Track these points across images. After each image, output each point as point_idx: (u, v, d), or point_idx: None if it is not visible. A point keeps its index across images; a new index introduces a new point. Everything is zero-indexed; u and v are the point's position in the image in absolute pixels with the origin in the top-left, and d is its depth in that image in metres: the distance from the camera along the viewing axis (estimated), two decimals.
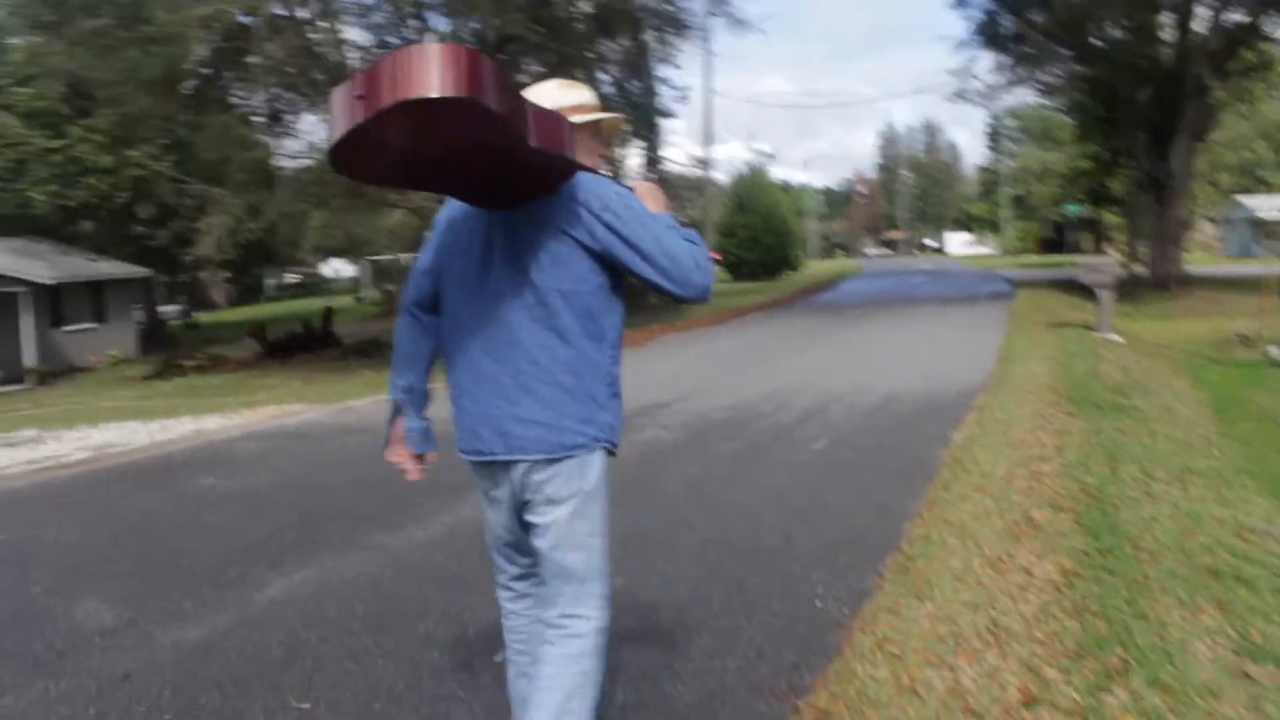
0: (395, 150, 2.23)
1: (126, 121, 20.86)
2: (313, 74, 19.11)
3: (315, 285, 71.11)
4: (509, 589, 2.87)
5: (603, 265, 2.55)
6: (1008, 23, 29.90)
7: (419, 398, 2.85)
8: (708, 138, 34.30)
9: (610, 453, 2.65)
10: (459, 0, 18.61)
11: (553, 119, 2.33)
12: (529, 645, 2.79)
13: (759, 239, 47.92)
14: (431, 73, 1.93)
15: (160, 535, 6.22)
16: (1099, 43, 27.61)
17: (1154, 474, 6.80)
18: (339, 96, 2.09)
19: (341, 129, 2.07)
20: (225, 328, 35.84)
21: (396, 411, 2.86)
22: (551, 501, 2.57)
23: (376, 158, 2.28)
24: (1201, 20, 26.55)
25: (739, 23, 26.24)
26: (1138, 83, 27.63)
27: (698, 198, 34.27)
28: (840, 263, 76.51)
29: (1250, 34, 26.53)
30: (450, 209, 2.74)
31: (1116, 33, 27.22)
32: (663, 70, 27.99)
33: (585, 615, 2.62)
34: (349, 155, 2.21)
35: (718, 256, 2.86)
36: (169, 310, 46.13)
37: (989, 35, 29.87)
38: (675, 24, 27.81)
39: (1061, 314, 20.12)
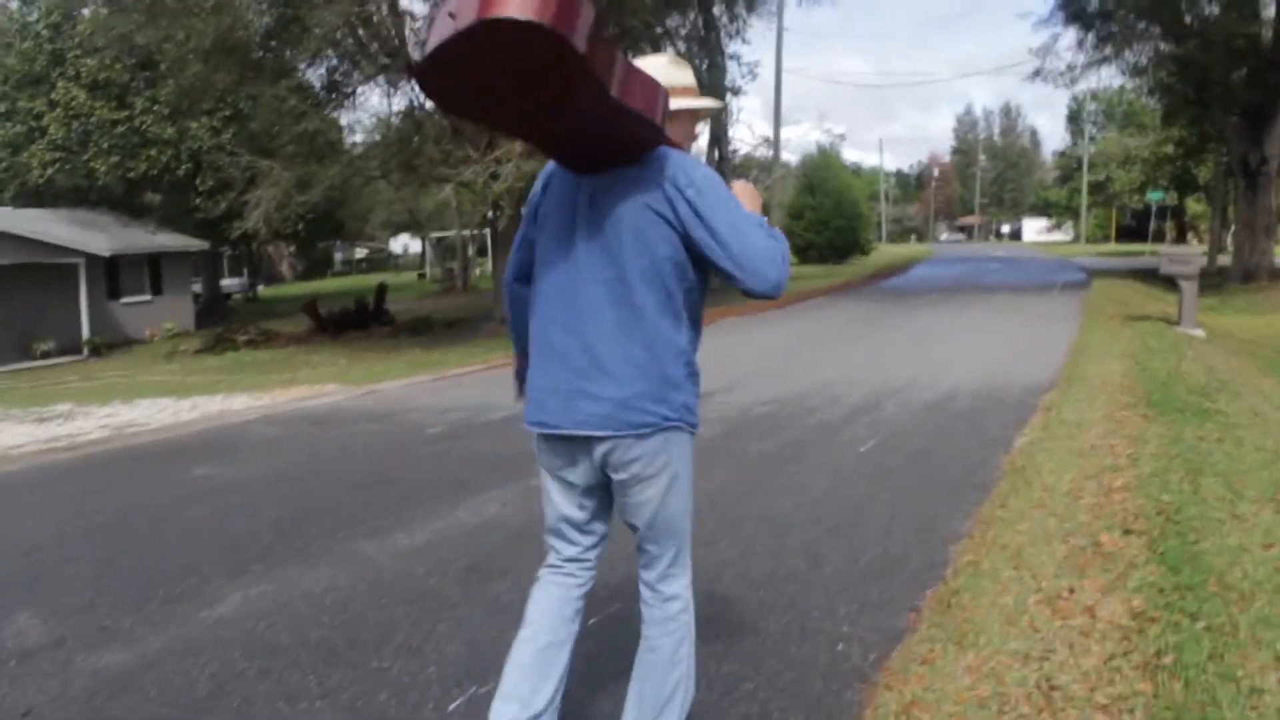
0: (477, 77, 2.15)
1: (186, 93, 20.62)
2: (370, 45, 18.67)
3: (383, 261, 71.46)
4: (556, 568, 2.81)
5: (684, 244, 2.50)
6: None
7: None
8: (777, 117, 33.19)
9: (691, 432, 2.65)
10: None
11: (648, 83, 2.28)
12: (552, 619, 2.75)
13: (828, 222, 46.83)
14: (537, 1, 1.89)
15: (132, 533, 5.73)
16: (1191, 20, 26.15)
17: (1242, 492, 6.00)
18: (435, 14, 2.07)
19: (430, 45, 2.04)
20: (287, 302, 35.79)
21: (522, 378, 2.83)
22: (642, 479, 2.56)
23: (459, 83, 2.21)
24: None
25: None
26: (1232, 63, 26.17)
27: (765, 178, 33.38)
28: (912, 247, 74.84)
29: None
30: (544, 178, 2.70)
31: (1212, 9, 25.75)
32: (731, 46, 27.05)
33: (678, 575, 2.74)
34: (435, 76, 2.17)
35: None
36: (232, 284, 46.45)
37: (1072, 12, 28.50)
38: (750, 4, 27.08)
39: (1140, 306, 19.07)
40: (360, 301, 25.28)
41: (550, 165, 2.71)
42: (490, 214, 17.98)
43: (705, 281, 2.63)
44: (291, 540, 5.36)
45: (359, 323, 24.57)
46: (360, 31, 18.20)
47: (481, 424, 8.80)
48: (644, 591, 2.76)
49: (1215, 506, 5.61)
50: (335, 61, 19.12)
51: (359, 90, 22.12)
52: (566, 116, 2.31)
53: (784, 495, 5.96)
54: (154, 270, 29.20)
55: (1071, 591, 4.24)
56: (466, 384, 11.90)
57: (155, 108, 28.64)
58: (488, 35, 1.95)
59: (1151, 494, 5.74)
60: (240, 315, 33.98)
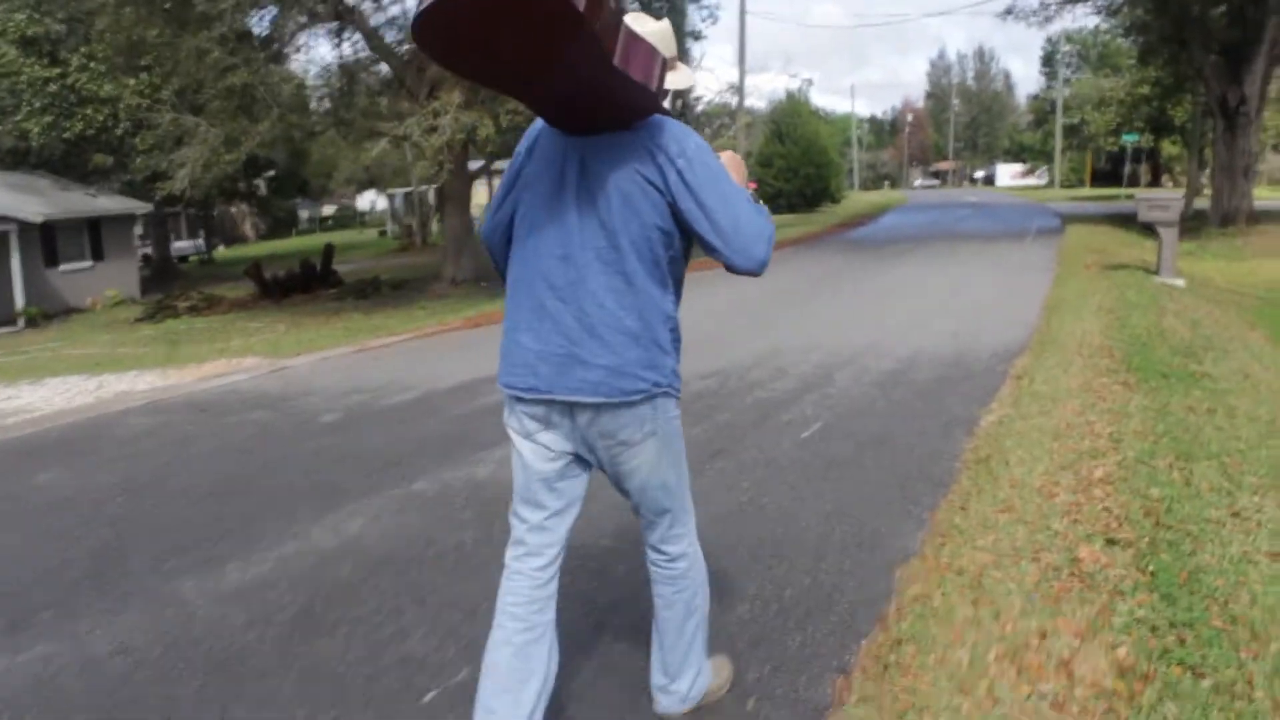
0: (473, 33, 2.09)
1: (111, 46, 19.33)
2: None
3: (349, 219, 70.22)
4: (522, 544, 2.73)
5: (671, 212, 2.48)
6: None
7: None
8: (742, 63, 32.06)
9: (676, 395, 2.65)
10: None
11: (647, 51, 2.24)
12: (526, 611, 2.68)
13: (797, 170, 45.77)
14: None
15: None
16: None
17: (1240, 479, 5.17)
18: None
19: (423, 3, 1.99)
20: (245, 263, 34.54)
21: None
22: (630, 444, 2.56)
23: (455, 38, 2.13)
24: None
25: None
26: None
27: (730, 126, 32.31)
28: (885, 194, 73.74)
29: None
30: (530, 135, 2.66)
31: None
32: None
33: (682, 534, 2.82)
34: (431, 30, 2.10)
35: (753, 185, 2.78)
36: (187, 246, 45.10)
37: None
38: None
39: (1117, 254, 18.20)
40: (305, 263, 24.16)
41: (535, 126, 2.66)
42: (432, 169, 16.85)
43: (689, 249, 2.62)
44: (104, 576, 4.40)
45: (304, 285, 23.51)
46: None
47: (381, 410, 7.83)
48: (650, 554, 2.86)
49: (1211, 501, 4.76)
50: (264, 10, 17.87)
51: (302, 41, 21.03)
52: (565, 78, 2.25)
53: (702, 503, 5.00)
54: (95, 235, 27.89)
55: (1043, 637, 3.37)
56: (385, 357, 10.92)
57: (91, 65, 27.27)
58: None
59: (1137, 488, 4.88)
60: (192, 279, 32.86)
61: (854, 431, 6.24)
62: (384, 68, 19.11)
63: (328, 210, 72.56)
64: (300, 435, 7.04)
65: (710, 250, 2.46)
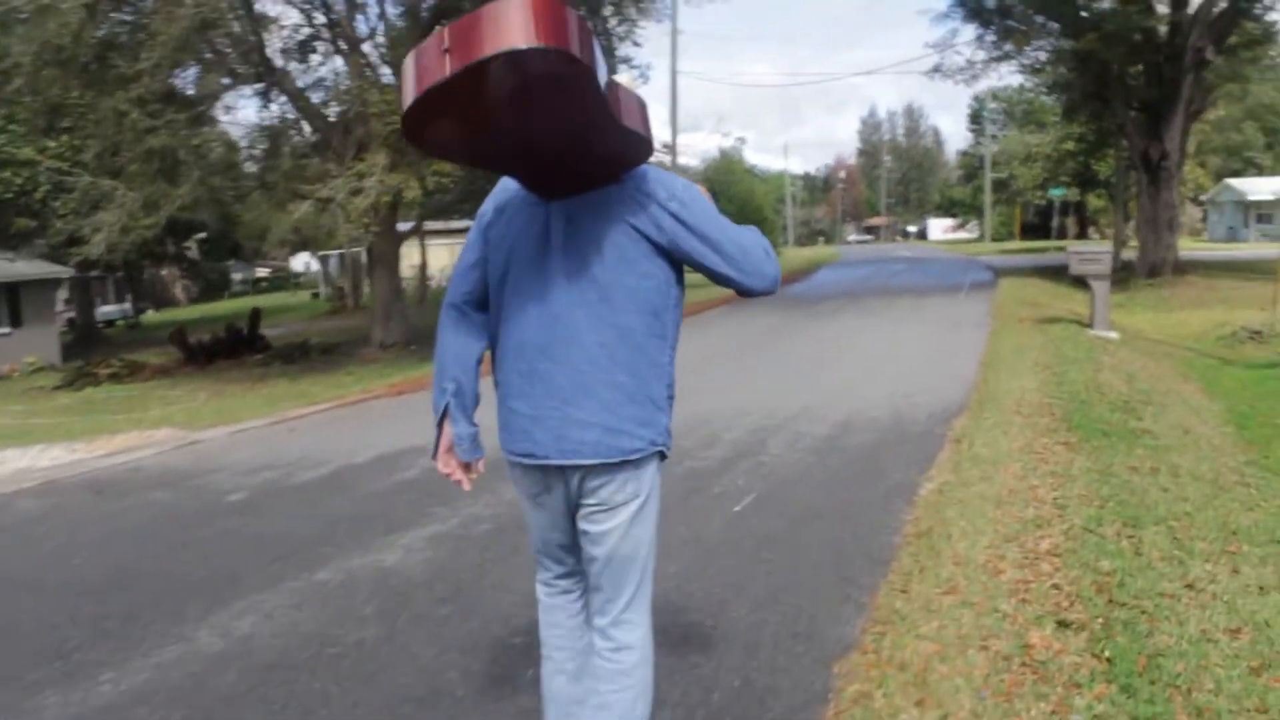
0: (478, 114, 2.09)
1: (29, 107, 18.76)
2: (218, 46, 17.07)
3: (284, 281, 69.34)
4: (552, 585, 2.73)
5: (668, 260, 2.47)
6: None
7: (469, 400, 2.64)
8: (674, 121, 32.17)
9: (664, 456, 2.59)
10: None
11: (634, 98, 2.24)
12: (570, 640, 2.71)
13: None
14: (520, 23, 1.85)
15: None
16: (1089, 14, 25.57)
17: (1191, 545, 4.94)
18: (419, 54, 2.00)
19: (423, 87, 1.96)
20: (173, 328, 33.63)
21: (444, 416, 2.63)
22: (609, 507, 2.49)
23: (455, 123, 2.13)
24: None
25: None
26: (1130, 57, 25.68)
27: None
28: (819, 250, 74.23)
29: (1253, 1, 24.62)
30: (498, 198, 2.61)
31: (1107, 2, 25.19)
32: (622, 49, 25.83)
33: (637, 622, 2.61)
34: (426, 119, 2.08)
35: None
36: (112, 310, 44.03)
37: (970, 8, 27.86)
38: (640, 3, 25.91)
39: (1050, 306, 18.25)
40: (231, 328, 23.53)
41: (502, 191, 2.61)
42: (357, 231, 16.46)
43: (683, 296, 2.57)
44: None
45: (230, 351, 22.86)
46: (213, 38, 16.59)
47: (292, 487, 7.38)
48: (596, 641, 2.64)
49: (1164, 572, 4.52)
50: (186, 72, 17.45)
51: (230, 102, 20.62)
52: (565, 139, 2.24)
53: None
54: (13, 300, 27.05)
55: None
56: (304, 428, 10.45)
57: (11, 127, 26.61)
58: (494, 67, 1.90)
59: (1087, 560, 4.61)
60: (117, 345, 31.98)
61: (788, 504, 5.93)
62: (310, 129, 18.77)
63: (262, 272, 71.60)
64: (201, 518, 6.56)
65: (723, 280, 2.46)
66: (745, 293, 2.50)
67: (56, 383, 21.80)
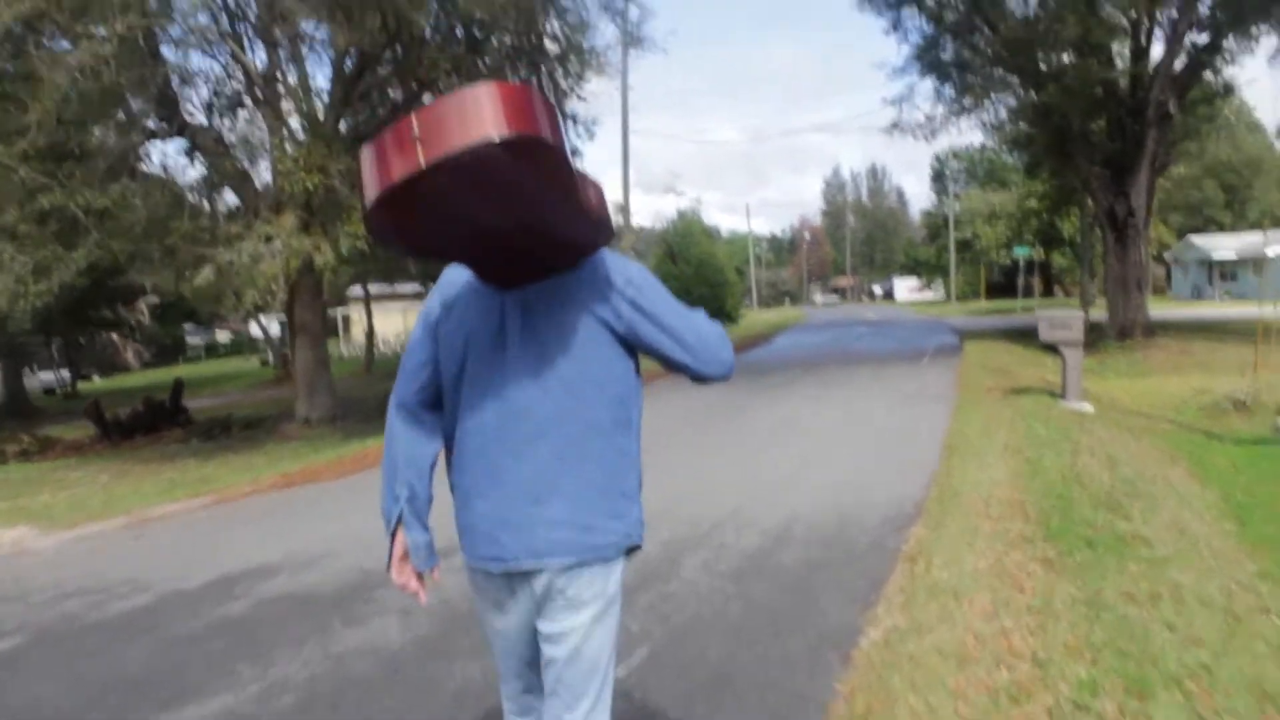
0: (443, 204, 2.01)
1: None
2: (128, 98, 15.76)
3: (242, 345, 67.82)
4: (514, 701, 2.63)
5: (627, 347, 2.42)
6: (949, 48, 27.12)
7: (423, 505, 2.52)
8: (625, 181, 31.19)
9: (635, 549, 2.49)
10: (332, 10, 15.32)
11: (591, 182, 2.19)
12: None
13: (691, 290, 44.78)
14: (508, 112, 1.84)
15: None
16: (1048, 67, 24.75)
17: (1216, 716, 3.66)
18: (380, 145, 1.94)
19: (389, 179, 1.90)
20: (115, 396, 31.90)
21: (396, 524, 2.51)
22: (573, 606, 2.38)
23: (418, 214, 2.04)
24: (1160, 42, 23.95)
25: (637, 41, 23.30)
26: (1092, 110, 24.85)
27: (615, 246, 31.18)
28: (783, 312, 73.46)
29: (1214, 54, 23.87)
30: (445, 293, 2.51)
31: (1067, 56, 24.40)
32: (568, 105, 24.87)
33: None
34: (389, 211, 1.99)
35: None
36: (49, 378, 42.28)
37: (928, 62, 27.05)
38: (583, 58, 25.01)
39: (1019, 374, 17.06)
40: (149, 401, 22.03)
41: (450, 283, 2.51)
42: (262, 299, 15.12)
43: (641, 383, 2.51)
44: None
45: (150, 425, 21.35)
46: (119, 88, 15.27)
47: (86, 627, 5.91)
48: None
49: None
50: (90, 125, 16.06)
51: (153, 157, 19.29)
52: (530, 226, 2.15)
53: None
54: None
55: None
56: (159, 532, 8.97)
57: None
58: (468, 158, 1.85)
59: None
60: (47, 416, 30.37)
61: (689, 665, 4.53)
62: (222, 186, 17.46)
63: (222, 336, 70.20)
64: None
65: (678, 367, 2.41)
66: (700, 379, 2.46)
67: None
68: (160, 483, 14.26)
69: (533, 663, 2.55)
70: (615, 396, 2.40)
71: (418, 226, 2.11)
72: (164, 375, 46.21)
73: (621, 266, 2.42)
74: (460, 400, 2.43)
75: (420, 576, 2.55)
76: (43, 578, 7.29)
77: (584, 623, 2.39)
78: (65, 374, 43.41)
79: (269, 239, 14.14)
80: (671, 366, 2.43)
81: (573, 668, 2.42)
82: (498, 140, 1.82)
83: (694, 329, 2.41)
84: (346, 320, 53.11)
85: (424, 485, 2.52)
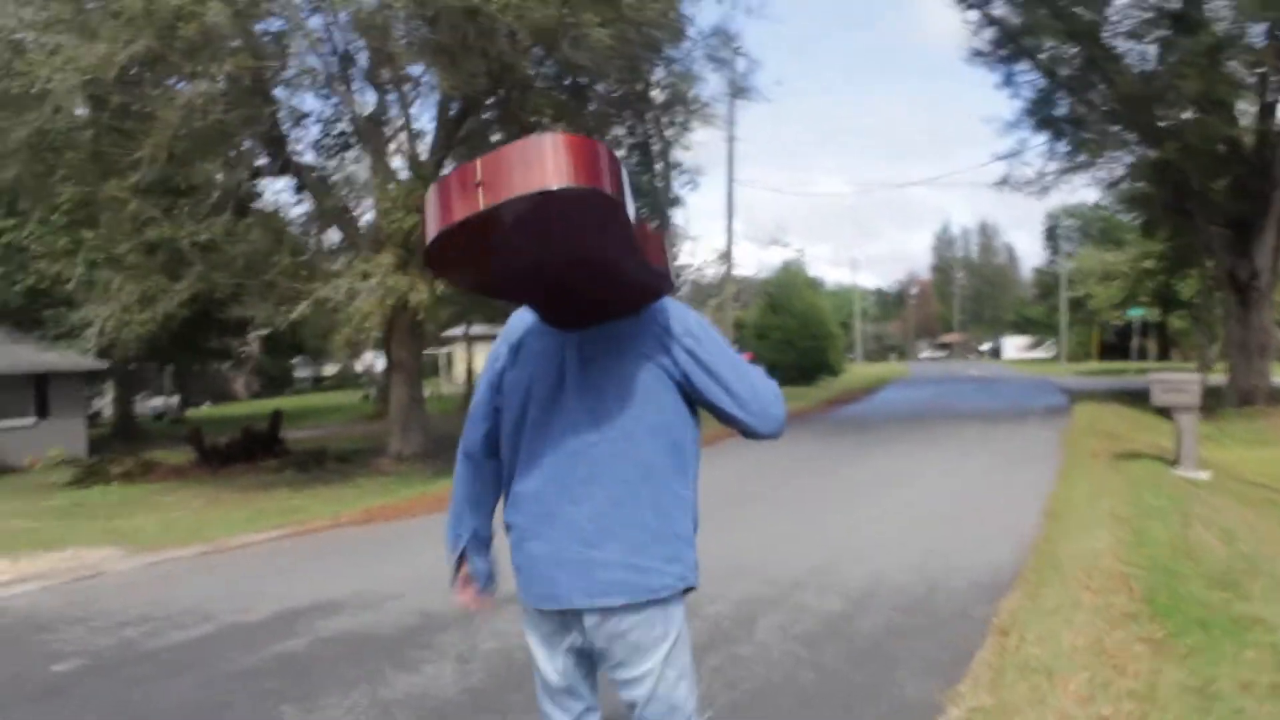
0: (504, 246, 2.09)
1: (26, 194, 18.09)
2: (233, 135, 16.12)
3: (349, 379, 69.26)
4: None
5: (684, 394, 2.44)
6: (1062, 103, 26.41)
7: (484, 542, 2.70)
8: (730, 231, 31.06)
9: (690, 590, 2.49)
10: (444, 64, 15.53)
11: (655, 234, 2.26)
12: None
13: (793, 342, 44.23)
14: (571, 163, 1.87)
15: None
16: (1167, 123, 23.88)
17: None
18: (445, 186, 2.02)
19: (450, 219, 1.98)
20: (220, 424, 32.69)
21: (461, 555, 2.69)
22: (640, 649, 2.40)
23: (479, 253, 2.12)
24: None
25: (744, 91, 23.24)
26: (1214, 169, 23.90)
27: (717, 296, 30.98)
28: (887, 367, 72.29)
29: None
30: (511, 338, 2.57)
31: (1188, 112, 23.53)
32: (674, 155, 24.93)
33: None
34: (449, 249, 2.07)
35: (750, 356, 2.68)
36: (156, 404, 43.60)
37: (1041, 118, 26.36)
38: (688, 107, 25.04)
39: (1130, 439, 16.26)
40: (248, 430, 22.45)
41: (516, 328, 2.56)
42: (358, 337, 15.24)
43: (700, 429, 2.53)
44: None
45: (247, 454, 21.73)
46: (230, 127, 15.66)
47: (141, 655, 5.80)
48: None
49: None
50: (200, 161, 16.48)
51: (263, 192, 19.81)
52: (589, 272, 2.19)
53: None
54: (40, 391, 26.34)
55: None
56: (234, 562, 8.94)
57: (54, 216, 26.28)
58: (527, 206, 1.90)
59: None
60: (153, 440, 31.23)
61: None
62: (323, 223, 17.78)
63: (330, 370, 71.72)
64: None
65: (729, 420, 2.42)
66: (750, 435, 2.47)
67: (68, 479, 20.90)
68: (249, 511, 14.42)
69: (577, 694, 2.56)
70: (671, 443, 2.41)
71: (475, 265, 2.20)
72: (270, 406, 47.33)
73: (681, 315, 2.45)
74: (519, 445, 2.48)
75: (479, 596, 2.72)
76: (112, 602, 7.27)
77: (655, 666, 2.40)
78: (174, 400, 44.71)
79: (366, 276, 14.26)
80: (723, 419, 2.45)
81: (652, 709, 2.45)
82: (556, 189, 1.86)
83: (748, 383, 2.43)
84: (450, 358, 53.75)
85: (486, 528, 2.68)
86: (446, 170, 18.03)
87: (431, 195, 2.04)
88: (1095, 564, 7.12)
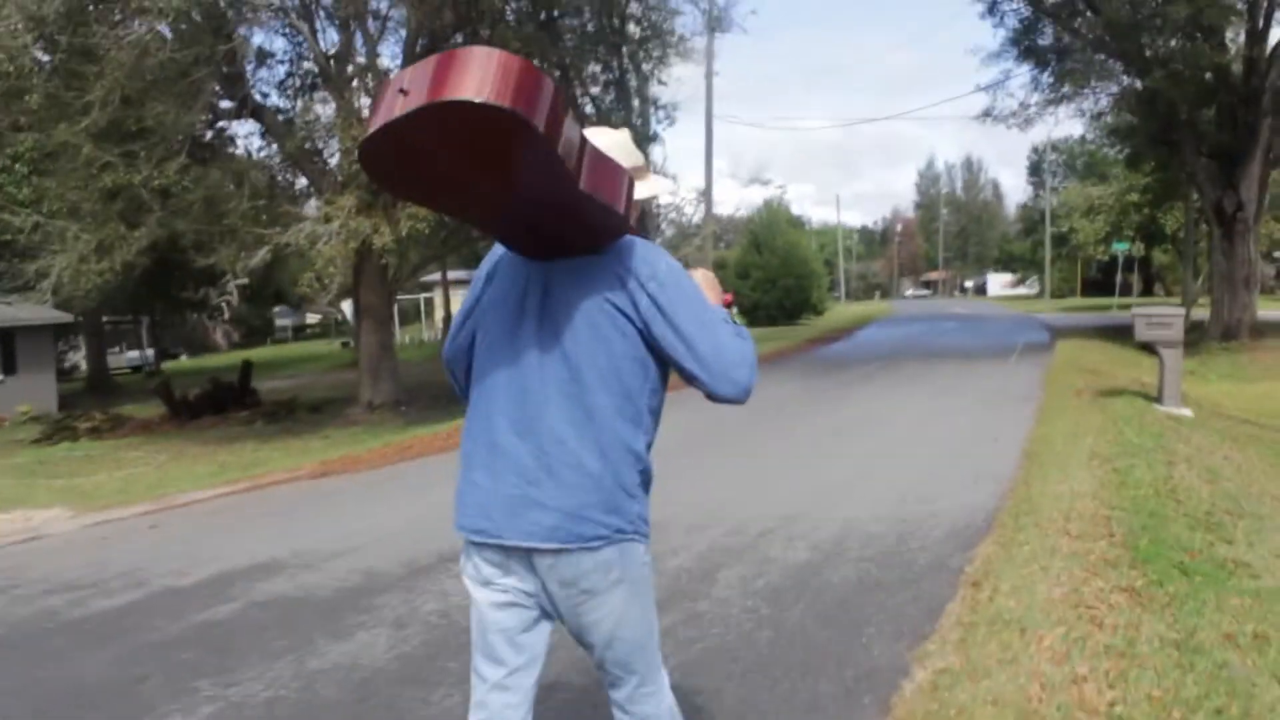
0: (426, 158, 1.95)
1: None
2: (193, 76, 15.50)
3: (330, 327, 68.65)
4: (484, 705, 2.42)
5: (645, 340, 2.28)
6: (1047, 32, 25.82)
7: None
8: (709, 170, 30.48)
9: (645, 541, 2.38)
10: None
11: (613, 169, 2.10)
12: None
13: (775, 280, 43.86)
14: (478, 76, 1.75)
15: None
16: (1155, 52, 23.34)
17: None
18: (381, 89, 1.94)
19: (376, 123, 1.87)
20: (196, 376, 32.25)
21: None
22: (592, 593, 2.29)
23: (406, 163, 1.99)
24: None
25: (721, 23, 22.65)
26: (1201, 98, 23.45)
27: (695, 236, 30.51)
28: (871, 306, 71.90)
29: None
30: (493, 257, 2.49)
31: (1175, 41, 23.00)
32: (651, 91, 24.37)
33: (654, 691, 2.45)
34: (379, 155, 1.97)
35: (729, 298, 2.54)
36: (135, 357, 43.00)
37: (1024, 48, 25.78)
38: (665, 42, 24.42)
39: (1112, 375, 15.98)
40: (218, 382, 22.03)
41: (496, 251, 2.48)
42: (324, 281, 14.79)
43: (666, 378, 2.38)
44: None
45: (218, 406, 21.32)
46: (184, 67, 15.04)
47: (57, 628, 5.40)
48: (616, 715, 2.47)
49: None
50: (154, 104, 15.86)
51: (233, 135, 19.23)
52: (525, 202, 2.09)
53: None
54: (7, 346, 25.82)
55: None
56: (175, 522, 8.58)
57: (17, 165, 25.54)
58: (442, 116, 1.78)
59: None
60: (127, 394, 30.73)
61: (702, 701, 3.89)
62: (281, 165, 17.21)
63: (312, 319, 71.01)
64: None
65: (689, 378, 2.27)
66: (710, 396, 2.29)
67: (36, 435, 20.47)
68: (212, 465, 14.11)
69: (513, 639, 2.40)
70: (622, 389, 2.26)
71: (405, 176, 2.08)
72: (253, 356, 46.78)
73: (651, 259, 2.29)
74: (480, 369, 2.40)
75: None
76: (44, 567, 6.92)
77: (612, 610, 2.31)
78: (150, 353, 44.12)
79: (328, 219, 13.78)
80: (682, 375, 2.28)
81: (613, 651, 2.36)
82: (475, 101, 1.73)
83: (712, 340, 2.24)
84: (430, 304, 53.22)
85: None
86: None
87: (378, 94, 1.94)
88: (1074, 507, 6.82)
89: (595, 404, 2.25)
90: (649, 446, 2.37)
